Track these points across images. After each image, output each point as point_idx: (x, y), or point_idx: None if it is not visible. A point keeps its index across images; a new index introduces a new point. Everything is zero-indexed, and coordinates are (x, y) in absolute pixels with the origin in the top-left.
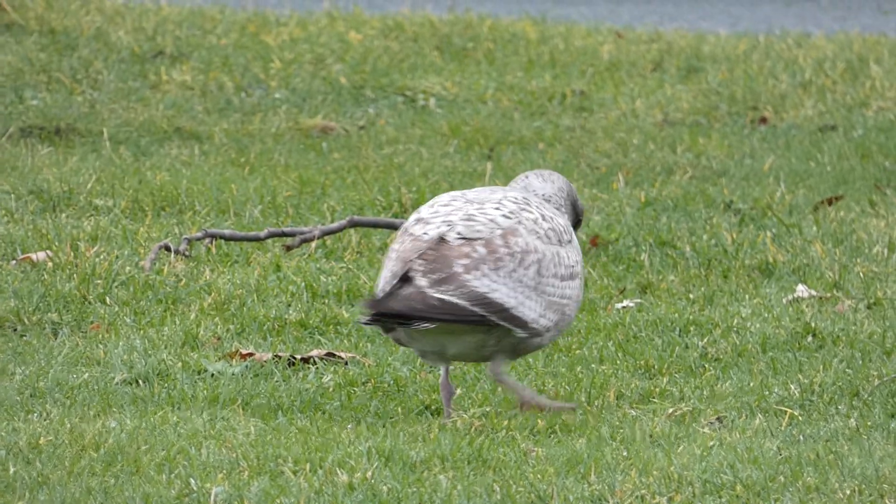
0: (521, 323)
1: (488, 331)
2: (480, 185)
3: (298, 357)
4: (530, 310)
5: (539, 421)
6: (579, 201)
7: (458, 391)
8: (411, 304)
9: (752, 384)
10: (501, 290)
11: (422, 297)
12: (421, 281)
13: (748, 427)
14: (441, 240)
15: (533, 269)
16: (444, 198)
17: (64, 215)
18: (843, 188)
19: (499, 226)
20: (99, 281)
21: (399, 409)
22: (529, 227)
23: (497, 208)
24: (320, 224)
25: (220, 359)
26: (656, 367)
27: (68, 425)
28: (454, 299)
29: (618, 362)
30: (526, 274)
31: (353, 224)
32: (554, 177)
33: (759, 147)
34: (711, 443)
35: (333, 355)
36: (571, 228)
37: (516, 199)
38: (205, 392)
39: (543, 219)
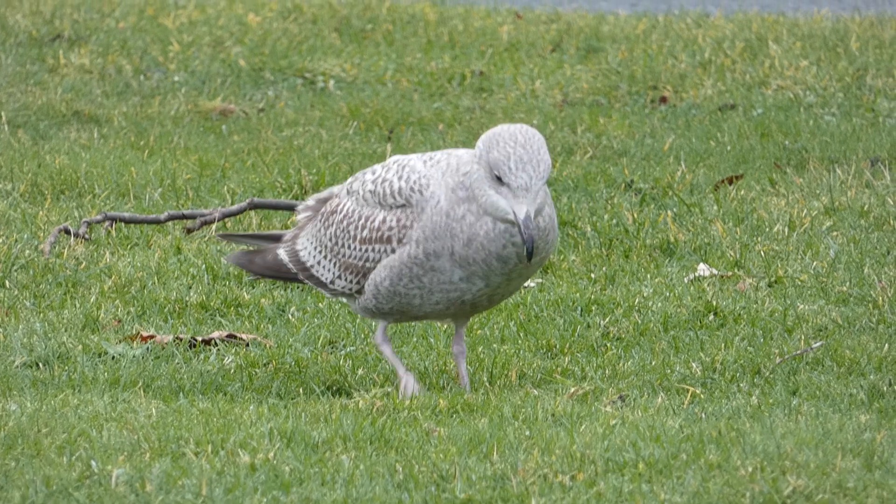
0: (320, 282)
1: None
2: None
3: (199, 339)
4: (326, 270)
5: (441, 401)
6: (502, 167)
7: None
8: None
9: (653, 363)
10: (307, 249)
11: (272, 254)
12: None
13: (650, 405)
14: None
15: (332, 230)
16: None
17: None
18: (743, 167)
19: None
20: None
21: (300, 390)
22: (354, 188)
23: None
24: (220, 206)
25: (120, 341)
26: (558, 346)
27: None
28: (284, 256)
29: (519, 342)
30: (325, 234)
31: (253, 206)
32: (486, 140)
33: (659, 126)
34: (614, 421)
35: (234, 337)
36: (427, 192)
37: (398, 160)
38: (106, 374)
39: (374, 181)
